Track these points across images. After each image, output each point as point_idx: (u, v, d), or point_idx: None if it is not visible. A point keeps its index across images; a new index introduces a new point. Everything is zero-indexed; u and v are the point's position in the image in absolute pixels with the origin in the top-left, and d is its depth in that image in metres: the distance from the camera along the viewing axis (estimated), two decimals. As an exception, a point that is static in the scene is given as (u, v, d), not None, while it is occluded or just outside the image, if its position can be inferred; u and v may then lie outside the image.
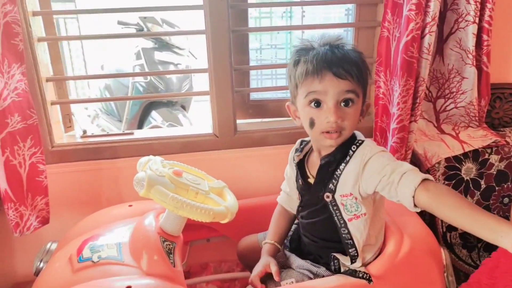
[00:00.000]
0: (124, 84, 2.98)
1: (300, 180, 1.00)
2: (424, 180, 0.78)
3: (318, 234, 0.99)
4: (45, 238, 1.13)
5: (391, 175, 0.81)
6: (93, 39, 1.59)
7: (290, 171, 1.05)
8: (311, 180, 0.97)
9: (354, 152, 0.89)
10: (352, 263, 0.91)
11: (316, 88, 0.86)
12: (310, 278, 0.94)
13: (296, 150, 1.03)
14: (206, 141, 1.37)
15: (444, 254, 1.03)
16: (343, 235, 0.92)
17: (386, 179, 0.82)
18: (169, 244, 0.94)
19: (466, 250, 1.33)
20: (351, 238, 0.91)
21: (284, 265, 1.02)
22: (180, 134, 1.38)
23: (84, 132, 1.38)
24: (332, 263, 0.93)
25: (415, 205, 0.78)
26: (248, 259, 1.12)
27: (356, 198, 0.89)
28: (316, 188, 0.95)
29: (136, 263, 0.89)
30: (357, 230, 0.90)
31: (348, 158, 0.89)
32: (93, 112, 3.25)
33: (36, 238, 1.24)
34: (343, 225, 0.91)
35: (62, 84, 1.36)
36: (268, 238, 1.06)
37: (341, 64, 0.84)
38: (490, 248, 1.34)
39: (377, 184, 0.84)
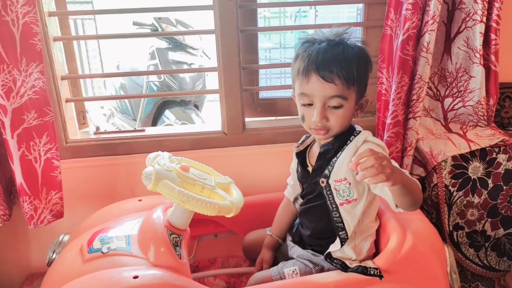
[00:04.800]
0: (139, 84, 3.04)
1: (299, 169, 1.04)
2: None
3: (312, 222, 1.02)
4: (59, 230, 1.17)
5: None
6: (107, 38, 1.65)
7: (293, 163, 1.10)
8: (310, 169, 1.01)
9: (351, 141, 0.93)
10: (342, 245, 0.94)
11: (305, 89, 0.90)
12: (310, 268, 0.98)
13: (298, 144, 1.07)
14: (215, 138, 1.40)
15: (448, 251, 1.03)
16: (334, 218, 0.94)
17: None
18: (176, 237, 0.97)
19: (473, 249, 1.33)
20: (342, 222, 0.94)
21: (287, 255, 1.08)
22: (190, 131, 1.42)
23: (97, 128, 1.42)
24: (333, 265, 0.94)
25: (396, 206, 0.86)
26: (253, 253, 1.16)
27: (350, 184, 0.92)
28: (314, 174, 0.98)
29: (143, 255, 0.92)
30: (348, 214, 0.93)
31: (345, 146, 0.93)
32: (108, 111, 3.32)
33: (51, 230, 1.29)
34: (335, 209, 0.94)
35: (76, 82, 1.40)
36: (270, 231, 1.14)
37: (329, 66, 0.86)
38: (497, 247, 1.34)
39: None
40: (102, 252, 0.92)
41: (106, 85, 3.87)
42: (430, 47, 1.18)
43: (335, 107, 0.89)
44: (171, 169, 0.96)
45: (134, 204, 1.17)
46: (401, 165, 1.31)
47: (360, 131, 0.95)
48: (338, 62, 0.86)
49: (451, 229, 1.31)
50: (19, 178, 1.16)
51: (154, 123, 3.01)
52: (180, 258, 0.93)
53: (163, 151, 1.04)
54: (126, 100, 3.15)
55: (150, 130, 1.45)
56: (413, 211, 0.88)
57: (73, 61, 1.37)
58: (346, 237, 0.93)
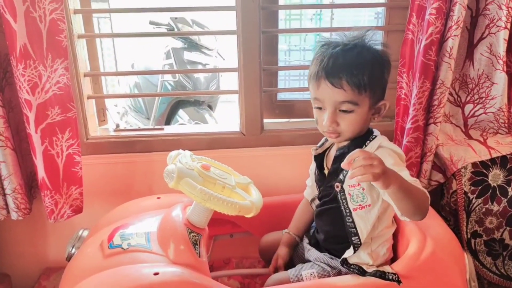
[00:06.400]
0: (153, 83, 3.05)
1: (316, 171, 1.05)
2: None
3: (326, 225, 1.02)
4: (77, 225, 1.18)
5: None
6: (130, 36, 1.68)
7: (312, 165, 1.10)
8: (327, 172, 1.01)
9: (366, 146, 0.93)
10: (354, 251, 0.93)
11: (316, 94, 0.91)
12: (328, 271, 0.98)
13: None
14: (233, 138, 1.40)
15: (467, 259, 1.02)
16: (347, 224, 0.94)
17: None
18: (195, 236, 0.97)
19: (491, 257, 1.31)
20: (355, 227, 0.93)
21: (303, 257, 1.07)
22: (208, 131, 1.43)
23: (117, 126, 1.43)
24: (350, 270, 0.94)
25: (401, 215, 0.85)
26: (269, 255, 1.15)
27: (363, 189, 0.92)
28: (330, 178, 0.99)
29: (163, 252, 0.92)
30: (361, 220, 0.93)
31: None
32: (122, 109, 3.35)
33: (69, 225, 1.30)
34: (348, 214, 0.93)
35: (97, 80, 1.42)
36: (288, 229, 1.15)
37: (339, 72, 0.86)
38: (516, 257, 1.32)
39: None
40: (122, 248, 0.92)
41: (120, 83, 3.90)
42: (453, 53, 1.17)
43: (346, 112, 0.89)
44: (192, 168, 0.97)
45: (153, 201, 1.17)
46: (419, 171, 1.30)
47: (376, 136, 0.94)
48: (349, 68, 0.86)
49: (469, 236, 1.29)
50: (41, 173, 1.18)
51: (168, 122, 3.02)
52: (199, 257, 0.93)
53: (184, 150, 1.05)
54: (140, 99, 3.18)
55: (169, 129, 1.46)
56: (418, 220, 0.87)
57: (95, 59, 1.39)
58: (359, 242, 0.93)
